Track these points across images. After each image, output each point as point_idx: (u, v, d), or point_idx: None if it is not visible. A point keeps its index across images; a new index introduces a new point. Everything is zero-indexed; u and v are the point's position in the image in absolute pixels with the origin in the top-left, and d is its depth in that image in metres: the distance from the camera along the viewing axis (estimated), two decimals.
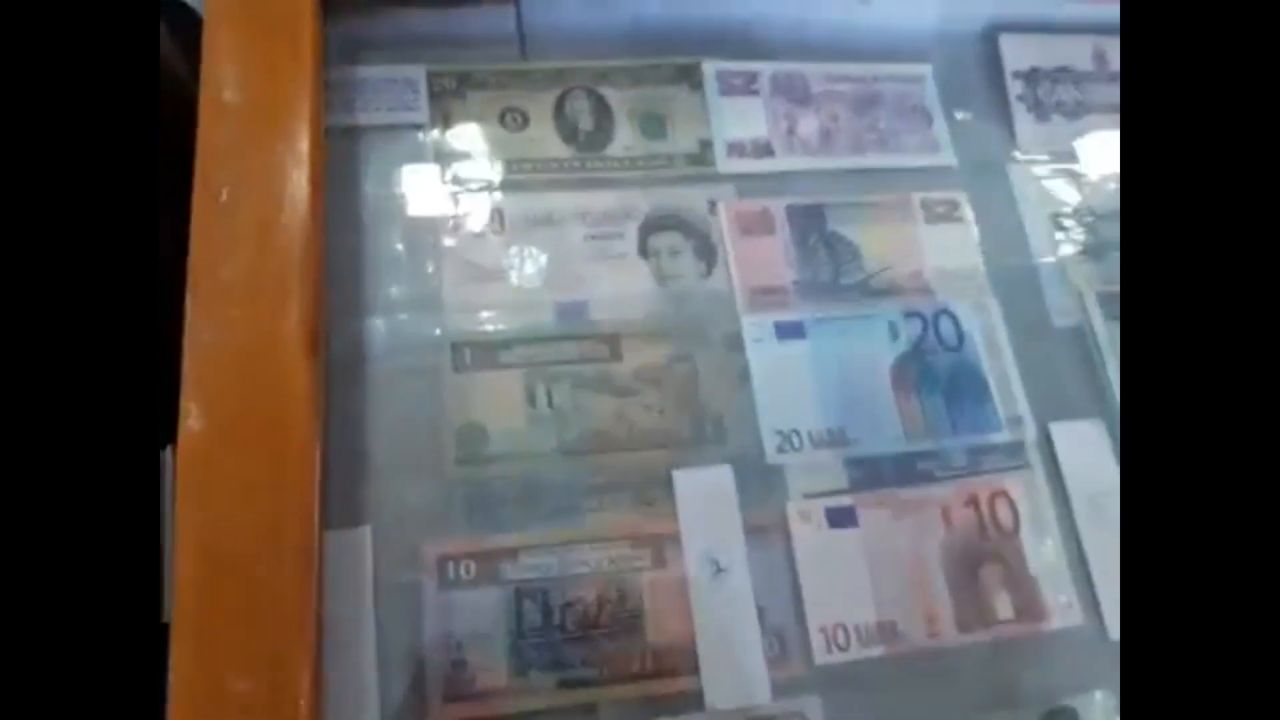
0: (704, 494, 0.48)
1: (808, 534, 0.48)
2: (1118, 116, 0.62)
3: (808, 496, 0.49)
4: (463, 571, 0.44)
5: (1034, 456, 0.52)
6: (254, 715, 0.35)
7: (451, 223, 0.51)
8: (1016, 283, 0.56)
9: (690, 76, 0.57)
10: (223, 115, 0.44)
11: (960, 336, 0.54)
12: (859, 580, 0.47)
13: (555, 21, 0.56)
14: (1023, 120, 0.61)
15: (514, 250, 0.51)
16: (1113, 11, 0.60)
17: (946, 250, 0.56)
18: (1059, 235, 0.58)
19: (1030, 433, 0.52)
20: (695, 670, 0.44)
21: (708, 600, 0.46)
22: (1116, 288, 0.57)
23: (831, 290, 0.54)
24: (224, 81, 0.45)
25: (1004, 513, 0.50)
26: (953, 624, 0.47)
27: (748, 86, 0.58)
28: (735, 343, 0.52)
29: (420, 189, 0.52)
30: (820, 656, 0.46)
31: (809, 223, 0.55)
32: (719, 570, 0.46)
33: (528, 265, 0.51)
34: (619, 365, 0.50)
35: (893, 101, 0.59)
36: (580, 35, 0.57)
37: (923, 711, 0.46)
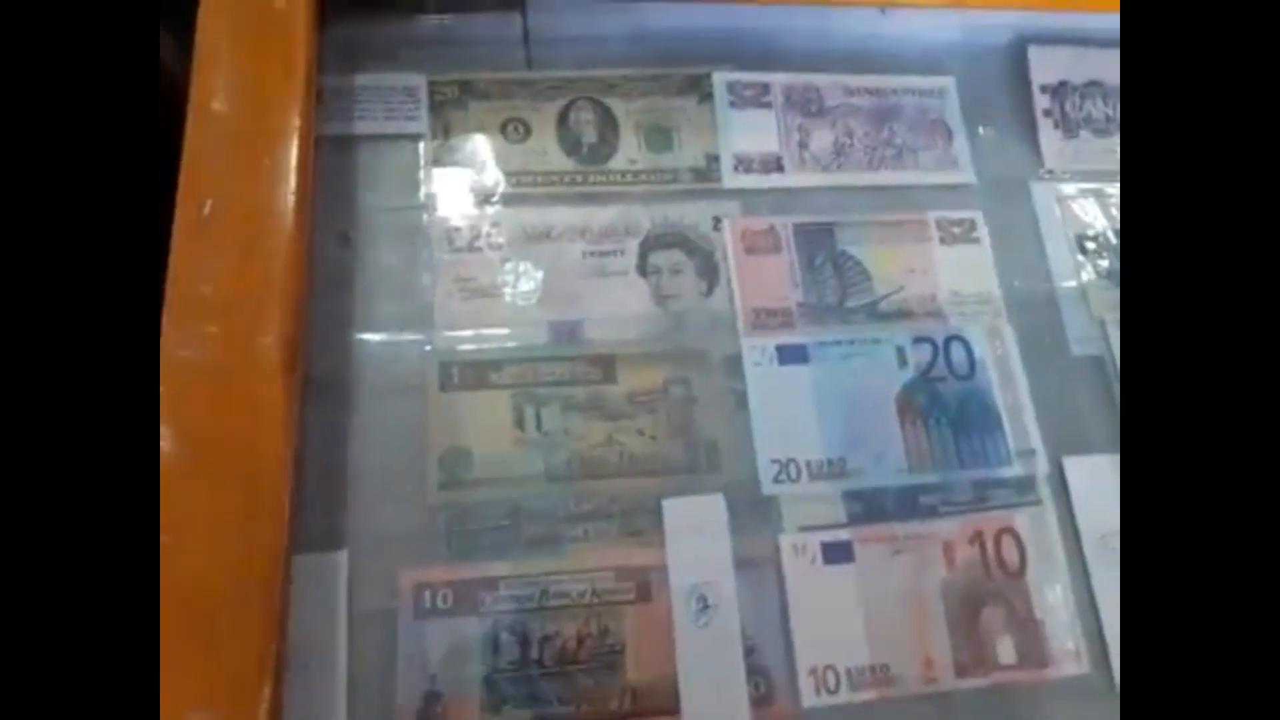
0: (694, 524, 0.46)
1: (801, 569, 0.46)
2: None
3: (803, 529, 0.47)
4: (440, 600, 0.43)
5: (1045, 492, 0.50)
6: None
7: (447, 237, 0.50)
8: (1035, 308, 0.54)
9: (700, 87, 0.56)
10: (210, 124, 0.43)
11: (972, 364, 0.51)
12: (853, 620, 0.46)
13: (562, 29, 0.55)
14: (1049, 136, 0.58)
15: (510, 266, 0.50)
16: None
17: (961, 273, 0.54)
18: (1082, 258, 0.55)
19: (1042, 467, 0.50)
20: (676, 710, 0.43)
21: (692, 637, 0.44)
22: None
23: (838, 313, 0.52)
24: (213, 90, 0.44)
25: (1010, 551, 0.48)
26: (950, 668, 0.45)
27: (759, 98, 0.56)
28: (734, 366, 0.50)
29: (416, 201, 0.51)
30: (808, 699, 0.44)
31: (817, 242, 0.53)
32: (706, 606, 0.45)
33: (523, 282, 0.50)
34: (613, 388, 0.48)
35: (912, 115, 0.57)
36: (588, 44, 0.55)
37: None
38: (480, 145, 0.52)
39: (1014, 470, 0.50)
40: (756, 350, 0.50)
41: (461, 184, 0.51)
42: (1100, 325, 0.54)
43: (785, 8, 0.56)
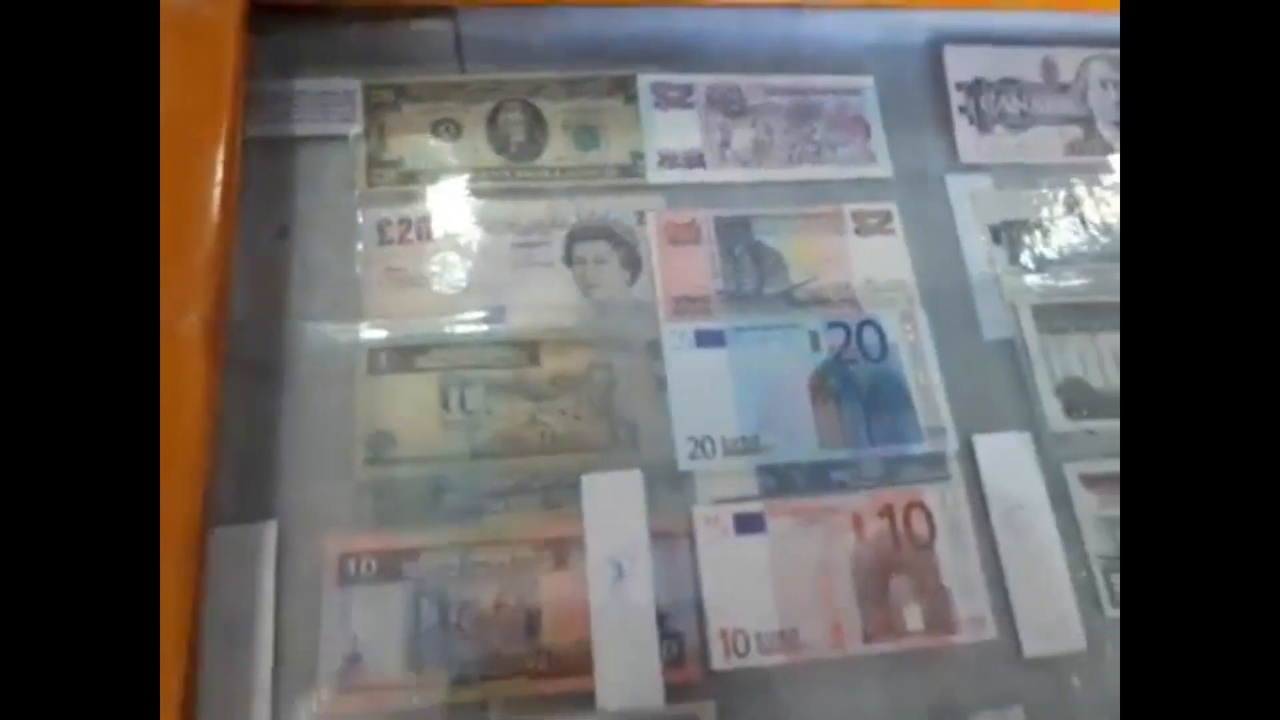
0: (611, 498, 0.48)
1: (713, 539, 0.48)
2: (1065, 128, 0.62)
3: (716, 502, 0.49)
4: (364, 569, 0.45)
5: (955, 468, 0.52)
6: None
7: (379, 230, 0.53)
8: (948, 295, 0.56)
9: (625, 89, 0.58)
10: None
11: (884, 347, 0.54)
12: (763, 587, 0.47)
13: (493, 34, 0.57)
14: (964, 131, 0.60)
15: (438, 258, 0.53)
16: (1064, 21, 0.60)
17: (876, 262, 0.56)
18: (996, 248, 0.58)
19: (952, 444, 0.52)
20: (589, 671, 0.45)
21: (606, 603, 0.46)
22: (1051, 300, 0.56)
23: (755, 300, 0.54)
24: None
25: (919, 524, 0.50)
26: (858, 634, 0.47)
27: (683, 99, 0.59)
28: (655, 351, 0.52)
29: (351, 197, 0.54)
30: (718, 662, 0.46)
31: (736, 233, 0.56)
32: (620, 574, 0.47)
33: (451, 272, 0.52)
34: (536, 370, 0.51)
35: (831, 113, 0.60)
36: (518, 48, 0.58)
37: (824, 714, 0.46)
38: (413, 144, 0.55)
39: (924, 447, 0.52)
40: (676, 335, 0.52)
41: (394, 181, 0.54)
42: (1012, 310, 0.56)
43: (707, 10, 0.58)
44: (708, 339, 0.53)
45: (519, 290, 0.53)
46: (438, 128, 0.56)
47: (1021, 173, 0.60)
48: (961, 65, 0.62)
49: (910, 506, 0.50)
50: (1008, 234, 0.58)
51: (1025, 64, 0.63)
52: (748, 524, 0.49)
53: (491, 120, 0.56)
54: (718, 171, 0.57)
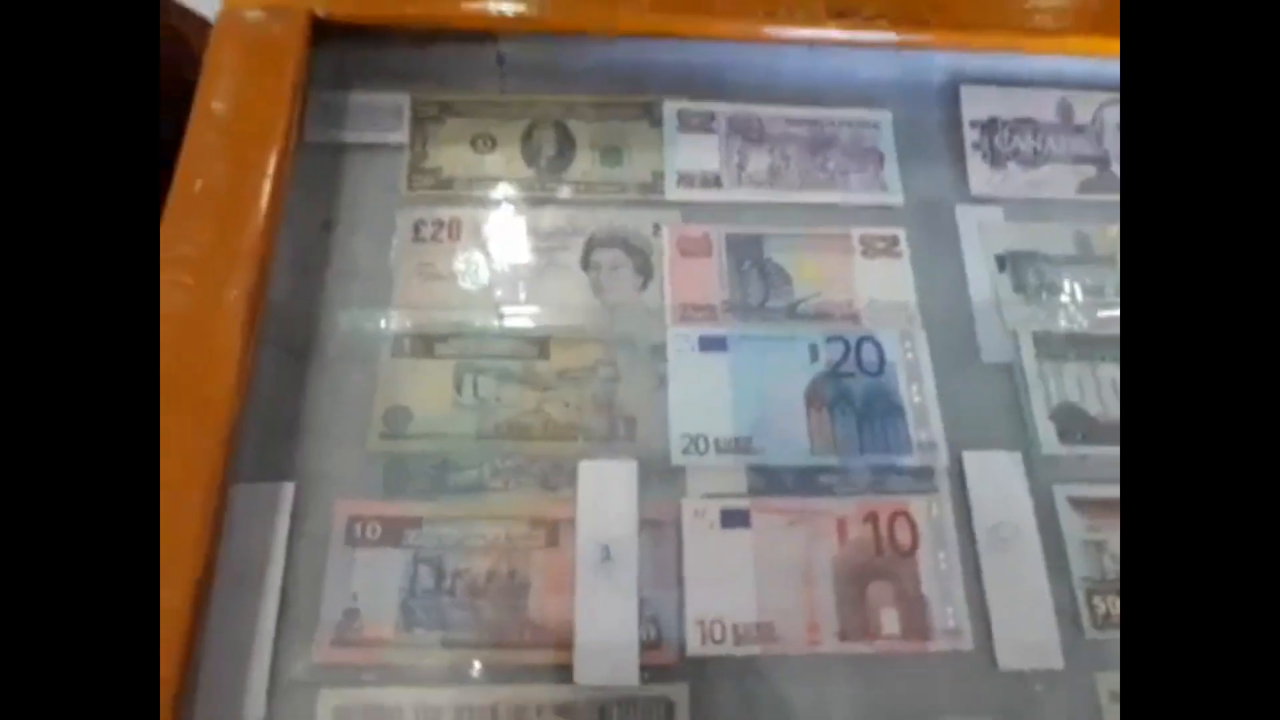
0: (605, 485, 0.51)
1: (699, 531, 0.50)
2: (1079, 167, 0.64)
3: (705, 496, 0.51)
4: (369, 532, 0.49)
5: (943, 482, 0.53)
6: None
7: (414, 229, 0.57)
8: (949, 319, 0.58)
9: (652, 113, 0.62)
10: (210, 120, 0.51)
11: (882, 363, 0.56)
12: (743, 580, 0.49)
13: (532, 59, 0.62)
14: (976, 166, 0.63)
15: (464, 257, 0.57)
16: (1081, 67, 0.63)
17: (880, 283, 0.58)
18: (1000, 275, 0.59)
19: (942, 459, 0.53)
20: (570, 646, 0.47)
21: (591, 583, 0.48)
22: (1051, 328, 0.58)
23: (759, 312, 0.57)
24: (216, 92, 0.52)
25: (903, 533, 0.51)
26: (834, 633, 0.49)
27: (705, 125, 0.62)
28: (660, 353, 0.55)
29: (390, 199, 0.58)
30: (694, 648, 0.48)
31: (746, 249, 0.59)
32: (607, 556, 0.49)
33: (475, 270, 0.57)
34: (545, 364, 0.54)
35: (846, 143, 0.63)
36: (555, 71, 0.63)
37: (792, 711, 0.47)
38: (451, 155, 0.60)
39: (913, 460, 0.53)
40: (680, 338, 0.55)
41: (431, 186, 0.59)
42: (1012, 336, 0.57)
43: (736, 45, 0.62)
44: (710, 344, 0.55)
45: (536, 290, 0.56)
46: (476, 141, 0.60)
47: (1032, 207, 0.62)
48: (977, 104, 0.64)
49: (895, 515, 0.52)
50: (1013, 263, 0.60)
51: (1041, 105, 0.65)
52: (733, 519, 0.51)
53: (526, 137, 0.61)
54: (733, 192, 0.60)
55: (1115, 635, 0.50)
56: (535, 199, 0.59)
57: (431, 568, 0.48)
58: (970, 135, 0.64)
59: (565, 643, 0.47)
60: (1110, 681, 0.49)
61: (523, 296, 0.56)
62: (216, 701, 0.45)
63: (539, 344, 0.55)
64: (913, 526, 0.51)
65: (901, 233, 0.60)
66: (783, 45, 0.62)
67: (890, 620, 0.49)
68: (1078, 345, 0.57)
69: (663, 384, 0.54)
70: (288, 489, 0.49)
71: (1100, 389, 0.56)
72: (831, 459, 0.53)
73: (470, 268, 0.57)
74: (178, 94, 0.53)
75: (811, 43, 0.62)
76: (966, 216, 0.61)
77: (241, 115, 0.52)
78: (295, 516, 0.49)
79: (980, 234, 0.61)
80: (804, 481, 0.52)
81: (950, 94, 0.65)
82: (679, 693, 0.47)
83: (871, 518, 0.52)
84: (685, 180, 0.60)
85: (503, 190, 0.59)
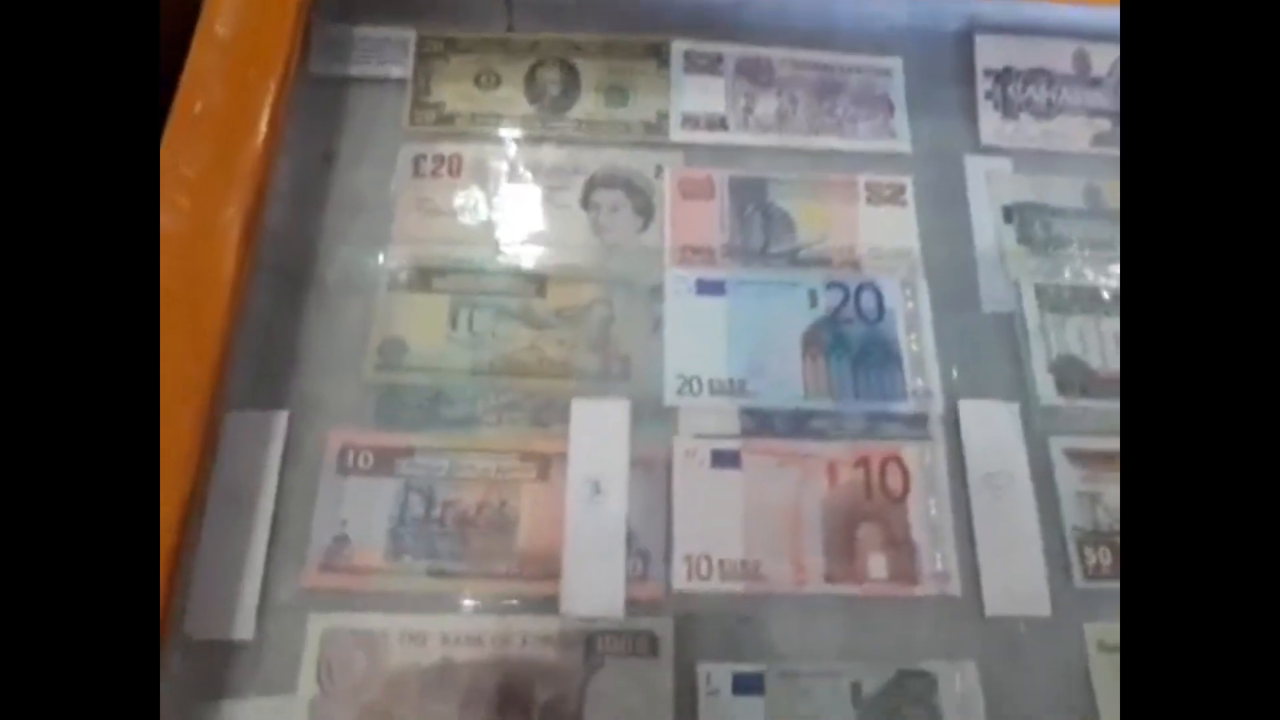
0: (597, 422, 0.51)
1: (689, 469, 0.50)
2: (1092, 120, 0.62)
3: (697, 436, 0.51)
4: (360, 460, 0.49)
5: (937, 430, 0.53)
6: None
7: (414, 164, 0.57)
8: (953, 268, 0.57)
9: (659, 54, 0.62)
10: (211, 44, 0.51)
11: (881, 310, 0.55)
12: (732, 519, 0.49)
13: None
14: (988, 117, 0.62)
15: (464, 193, 0.57)
16: (1099, 16, 0.61)
17: (884, 231, 0.58)
18: (1006, 226, 0.58)
19: (937, 407, 0.53)
20: (557, 577, 0.47)
21: (581, 517, 0.49)
22: (1055, 280, 0.57)
23: (760, 257, 0.57)
24: (219, 16, 0.52)
25: (894, 478, 0.51)
26: (820, 574, 0.49)
27: (713, 66, 0.61)
28: (657, 295, 0.55)
29: (393, 134, 0.58)
30: (679, 583, 0.48)
31: (749, 193, 0.58)
32: (598, 491, 0.49)
33: (475, 206, 0.56)
34: (542, 302, 0.54)
35: (856, 90, 0.62)
36: (563, 9, 0.62)
37: (777, 648, 0.47)
38: (455, 91, 0.59)
39: (908, 407, 0.53)
40: (678, 280, 0.55)
41: (433, 122, 0.58)
42: (1015, 287, 0.57)
43: None
44: (708, 287, 0.55)
45: (535, 228, 0.56)
46: (480, 78, 0.60)
47: (1043, 159, 0.61)
48: (992, 53, 0.63)
49: (887, 460, 0.51)
50: (1020, 215, 0.59)
51: (1058, 55, 0.64)
52: (724, 459, 0.51)
53: (530, 75, 0.60)
54: (738, 135, 0.60)
55: (1105, 586, 0.49)
56: (537, 137, 0.59)
57: (422, 497, 0.49)
58: (983, 84, 0.62)
59: (553, 574, 0.47)
60: (1098, 631, 0.48)
61: (521, 234, 0.56)
62: (206, 621, 0.45)
63: (536, 282, 0.54)
64: (904, 472, 0.51)
65: (908, 180, 0.59)
66: None
67: (878, 563, 0.49)
68: (1082, 299, 0.56)
69: (659, 325, 0.54)
70: (281, 417, 0.50)
71: (1103, 343, 0.55)
72: (825, 403, 0.53)
73: (469, 204, 0.56)
74: (181, 18, 0.53)
75: None
76: (975, 167, 0.60)
77: (243, 39, 0.52)
78: (289, 444, 0.49)
79: (988, 184, 0.60)
80: (796, 424, 0.52)
81: (964, 42, 0.64)
82: (664, 626, 0.47)
83: (863, 462, 0.51)
84: (690, 122, 0.60)
85: (505, 128, 0.59)
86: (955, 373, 0.54)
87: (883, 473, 0.51)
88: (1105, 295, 0.57)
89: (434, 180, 0.57)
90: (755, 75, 0.61)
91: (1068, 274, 0.57)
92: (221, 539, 0.46)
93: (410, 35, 0.61)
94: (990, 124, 0.62)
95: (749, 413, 0.52)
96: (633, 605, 0.47)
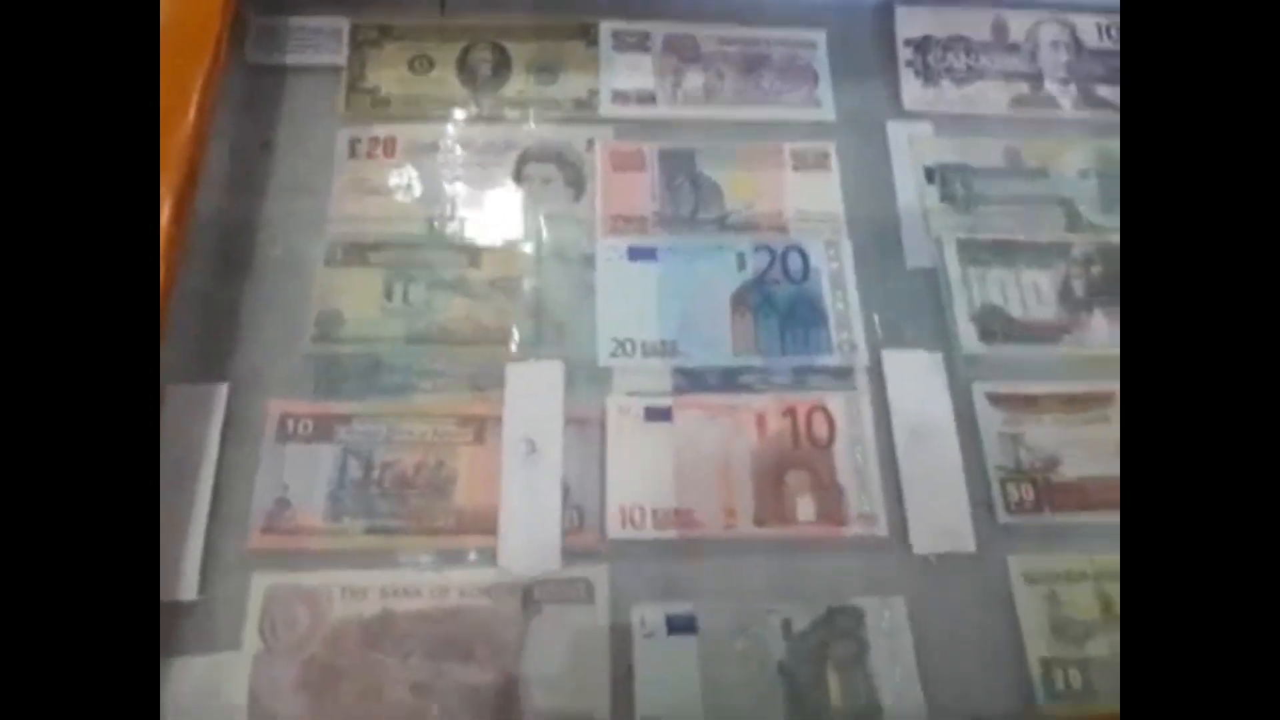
0: (532, 384, 0.53)
1: (623, 425, 0.52)
2: (1012, 83, 0.65)
3: (630, 395, 0.53)
4: (300, 428, 0.51)
5: (862, 380, 0.54)
6: None
7: (350, 147, 0.59)
8: (876, 227, 0.59)
9: (588, 34, 0.64)
10: None
11: (806, 270, 0.57)
12: (664, 470, 0.51)
13: None
14: (909, 83, 0.64)
15: (399, 172, 0.58)
16: None
17: (809, 195, 0.60)
18: (929, 186, 0.60)
19: (862, 359, 0.55)
20: (495, 532, 0.49)
21: (517, 474, 0.50)
22: (975, 235, 0.59)
23: (689, 223, 0.58)
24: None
25: (820, 426, 0.53)
26: (750, 518, 0.50)
27: (641, 44, 0.63)
28: (590, 263, 0.57)
29: (330, 119, 0.60)
30: (614, 531, 0.49)
31: (678, 164, 0.60)
32: (533, 449, 0.51)
33: (410, 184, 0.58)
34: (476, 272, 0.56)
35: (781, 63, 0.64)
36: None
37: (709, 590, 0.49)
38: (389, 76, 0.61)
39: (834, 360, 0.55)
40: (609, 248, 0.57)
41: (368, 106, 0.60)
42: (937, 243, 0.59)
43: None
44: (640, 254, 0.57)
45: (469, 202, 0.58)
46: (413, 63, 0.62)
47: (963, 122, 0.63)
48: (912, 22, 0.65)
49: (813, 410, 0.53)
50: (942, 174, 0.61)
51: (976, 23, 0.66)
52: (656, 414, 0.52)
53: (462, 58, 0.62)
54: (667, 109, 0.62)
55: (1028, 520, 0.51)
56: (470, 116, 0.61)
57: (360, 461, 0.50)
58: (904, 53, 0.65)
59: (490, 530, 0.49)
60: (1022, 563, 0.50)
61: (455, 208, 0.58)
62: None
63: (470, 253, 0.56)
64: (830, 421, 0.53)
65: (832, 146, 0.61)
66: None
67: (806, 506, 0.51)
68: (1001, 251, 0.58)
69: (591, 292, 0.56)
70: (221, 389, 0.51)
71: (1023, 292, 0.57)
72: (754, 360, 0.54)
73: (404, 182, 0.58)
74: None
75: None
76: (898, 131, 0.62)
77: (172, 30, 0.53)
78: (231, 415, 0.51)
79: (910, 147, 0.62)
80: (726, 380, 0.54)
81: (885, 13, 0.66)
82: (599, 574, 0.48)
83: (790, 412, 0.53)
84: (620, 97, 0.62)
85: (438, 109, 0.61)
86: (880, 326, 0.56)
87: (809, 422, 0.53)
88: (1025, 247, 0.58)
89: (369, 161, 0.59)
90: (682, 51, 0.63)
91: (989, 229, 0.59)
92: (166, 507, 0.47)
93: (344, 24, 0.62)
94: (912, 90, 0.64)
95: (681, 372, 0.54)
96: (569, 555, 0.49)
